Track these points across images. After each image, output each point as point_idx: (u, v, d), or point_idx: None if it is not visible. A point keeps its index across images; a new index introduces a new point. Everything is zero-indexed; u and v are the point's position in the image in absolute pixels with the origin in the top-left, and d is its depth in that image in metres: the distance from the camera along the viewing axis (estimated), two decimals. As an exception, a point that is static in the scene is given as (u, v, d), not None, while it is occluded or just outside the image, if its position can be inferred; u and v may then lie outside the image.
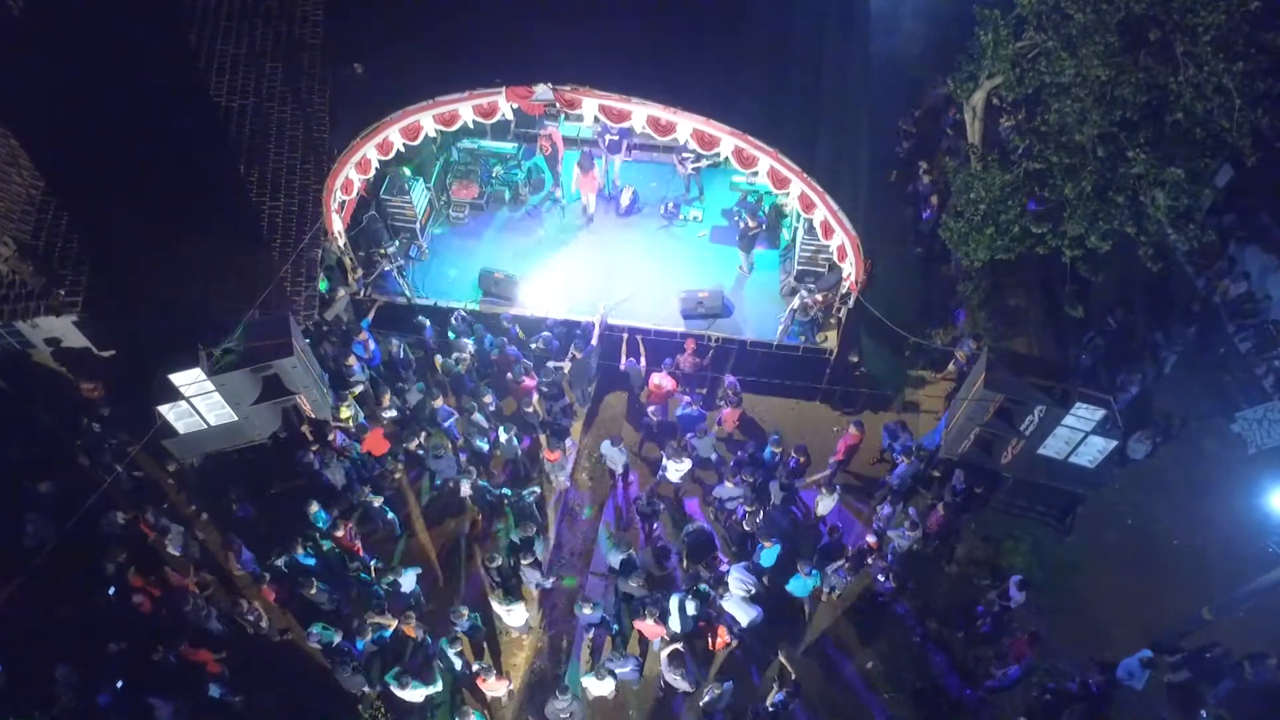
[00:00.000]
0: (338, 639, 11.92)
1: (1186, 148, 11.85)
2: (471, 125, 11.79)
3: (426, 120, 11.72)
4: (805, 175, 11.27)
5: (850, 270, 12.49)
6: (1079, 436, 12.15)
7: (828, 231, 12.01)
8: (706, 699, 11.35)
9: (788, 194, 11.80)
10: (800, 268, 14.37)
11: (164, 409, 12.19)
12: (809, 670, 13.00)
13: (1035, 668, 12.73)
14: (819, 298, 14.01)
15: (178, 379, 11.75)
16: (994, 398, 12.18)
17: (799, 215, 14.28)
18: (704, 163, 15.36)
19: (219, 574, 13.02)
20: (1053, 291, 15.28)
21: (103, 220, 13.51)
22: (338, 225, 13.45)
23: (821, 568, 12.34)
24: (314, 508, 12.61)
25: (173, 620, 12.26)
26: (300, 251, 13.36)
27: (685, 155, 15.18)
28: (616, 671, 11.83)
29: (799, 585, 12.34)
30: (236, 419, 12.82)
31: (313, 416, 13.31)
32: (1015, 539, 14.14)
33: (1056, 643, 13.07)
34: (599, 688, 12.01)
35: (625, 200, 15.72)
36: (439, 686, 11.76)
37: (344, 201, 13.17)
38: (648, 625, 12.11)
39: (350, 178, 12.59)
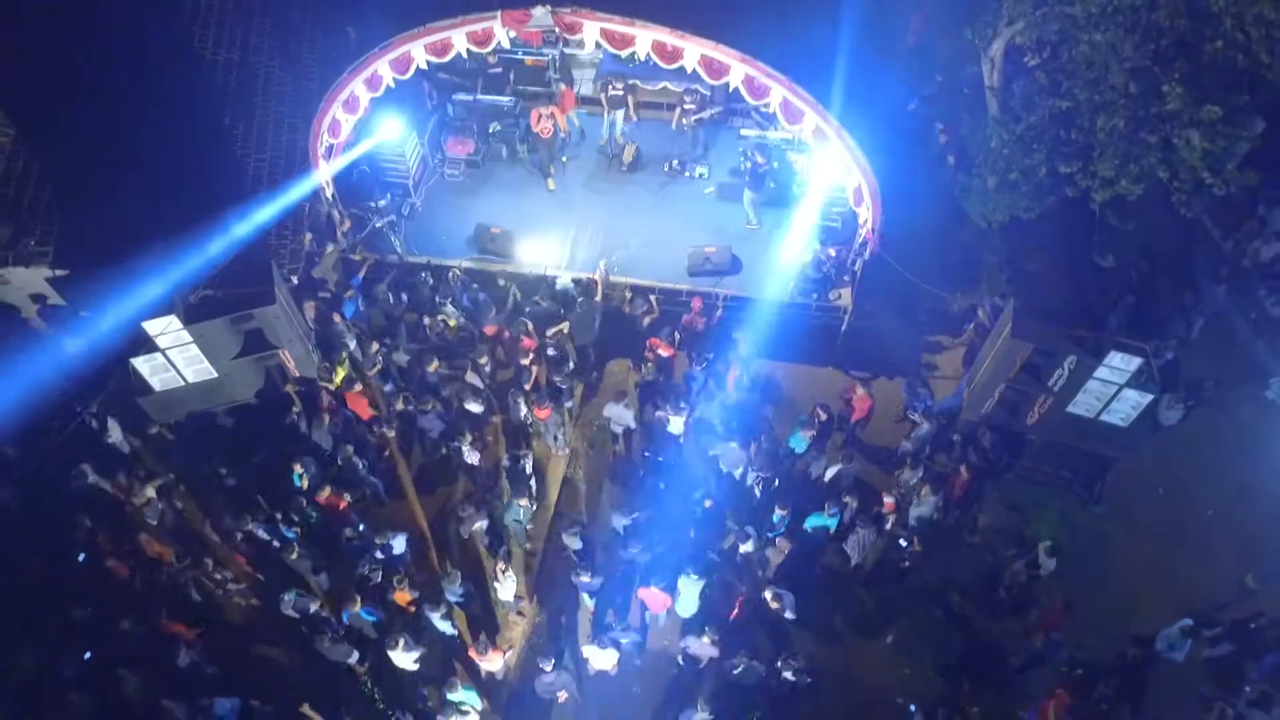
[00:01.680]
0: (314, 607, 11.17)
1: (1224, 84, 11.17)
2: (466, 55, 11.11)
3: (418, 51, 11.05)
4: (820, 108, 10.59)
5: (867, 216, 11.78)
6: (1112, 391, 11.41)
7: (844, 170, 11.30)
8: (734, 673, 10.60)
9: (799, 137, 11.14)
10: (812, 221, 13.64)
11: (138, 361, 11.48)
12: (825, 644, 12.25)
13: (1064, 643, 11.96)
14: (831, 252, 13.30)
15: (151, 326, 11.05)
16: (1021, 348, 11.47)
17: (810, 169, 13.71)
18: (706, 113, 14.69)
19: (194, 542, 12.21)
20: (1076, 253, 14.54)
21: (76, 173, 12.83)
22: (325, 172, 12.73)
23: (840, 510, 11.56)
24: (298, 469, 11.85)
25: (148, 590, 11.50)
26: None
27: (687, 106, 14.52)
28: (621, 641, 11.06)
29: (818, 521, 11.57)
30: (216, 376, 12.12)
31: (297, 375, 12.58)
32: (1041, 508, 13.37)
33: (1086, 616, 12.25)
34: (600, 659, 11.24)
35: (628, 157, 15.03)
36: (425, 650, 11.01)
37: (332, 146, 12.46)
38: (652, 594, 11.36)
39: (338, 118, 11.89)
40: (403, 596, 11.26)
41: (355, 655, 11.17)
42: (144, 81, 13.46)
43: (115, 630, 10.96)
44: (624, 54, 11.18)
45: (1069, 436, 12.31)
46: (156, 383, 11.85)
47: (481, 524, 11.97)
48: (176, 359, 11.59)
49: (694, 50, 10.49)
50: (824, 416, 12.31)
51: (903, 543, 11.94)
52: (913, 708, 10.94)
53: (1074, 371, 11.40)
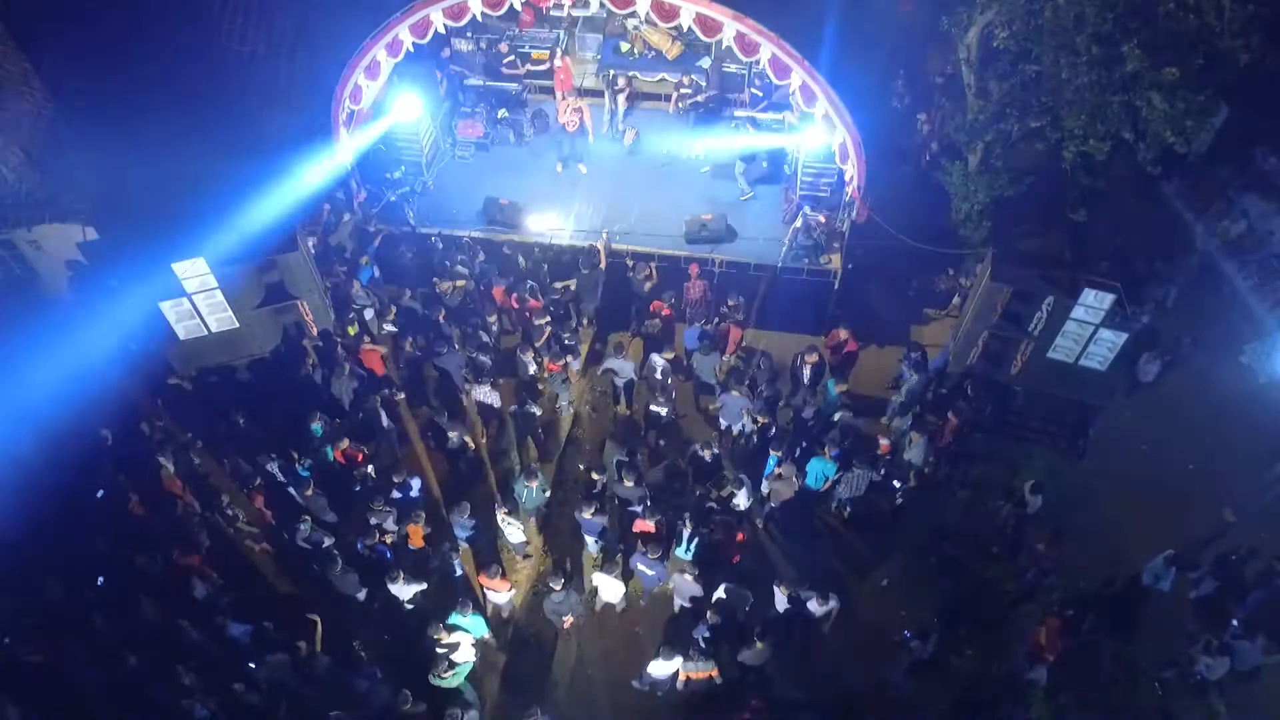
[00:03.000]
0: (328, 541, 11.56)
1: (1178, 47, 12.07)
2: (480, 18, 11.99)
3: (436, 15, 11.98)
4: (806, 64, 11.46)
5: (853, 174, 12.56)
6: (1089, 331, 12.06)
7: (829, 129, 12.12)
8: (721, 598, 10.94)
9: (788, 118, 11.81)
10: (802, 193, 14.44)
11: (165, 306, 12.09)
12: (819, 587, 12.60)
13: (1054, 571, 12.32)
14: (821, 218, 14.06)
15: (180, 269, 11.69)
16: (1000, 291, 12.13)
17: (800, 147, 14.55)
18: (701, 96, 15.60)
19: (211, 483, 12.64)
20: (1052, 217, 15.31)
21: (110, 140, 13.60)
22: (345, 142, 13.55)
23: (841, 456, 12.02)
24: (316, 420, 12.34)
25: (165, 525, 11.89)
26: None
27: (684, 91, 15.46)
28: (647, 572, 11.36)
29: (819, 467, 11.99)
30: (238, 326, 12.71)
31: (315, 331, 13.18)
32: (1028, 463, 13.84)
33: (1073, 559, 12.65)
34: (610, 590, 11.57)
35: (628, 141, 15.92)
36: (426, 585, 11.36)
37: (353, 113, 13.30)
38: (645, 526, 11.69)
39: (360, 84, 12.75)
40: (416, 530, 11.65)
41: (364, 591, 11.52)
42: (176, 55, 14.36)
43: (134, 562, 11.33)
44: (623, 13, 12.01)
45: (1051, 384, 12.90)
46: (181, 330, 12.44)
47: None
48: (202, 306, 12.20)
49: (689, 9, 11.42)
50: (814, 358, 12.85)
51: (896, 483, 12.40)
52: (907, 633, 11.25)
53: (1051, 314, 12.05)
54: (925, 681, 11.18)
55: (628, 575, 11.68)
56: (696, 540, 11.62)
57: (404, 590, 11.18)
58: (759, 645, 10.60)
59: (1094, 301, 11.64)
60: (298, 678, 10.56)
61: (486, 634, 11.31)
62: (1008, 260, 12.12)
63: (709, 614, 10.73)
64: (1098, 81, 12.09)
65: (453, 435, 12.43)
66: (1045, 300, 11.99)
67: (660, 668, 10.69)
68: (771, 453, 12.25)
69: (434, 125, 15.47)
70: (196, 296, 12.08)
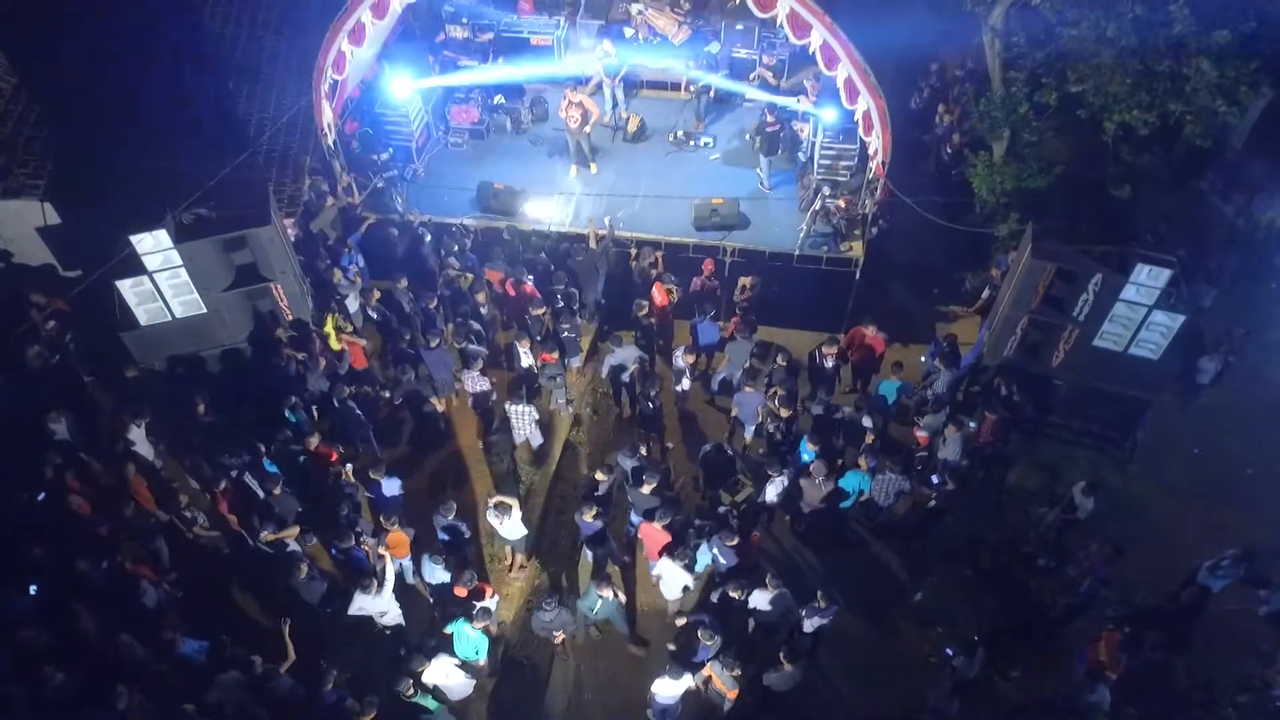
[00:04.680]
0: (293, 544, 10.32)
1: (1229, 10, 11.18)
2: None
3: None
4: (829, 21, 10.52)
5: (878, 146, 11.57)
6: (1140, 314, 10.92)
7: (851, 94, 11.17)
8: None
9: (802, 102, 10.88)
10: (820, 176, 13.45)
11: (124, 285, 10.97)
12: (849, 603, 11.31)
13: (1111, 581, 11.06)
14: (841, 203, 13.04)
15: (140, 241, 10.58)
16: (1043, 270, 11.01)
17: (818, 129, 13.61)
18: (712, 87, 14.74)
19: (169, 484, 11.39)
20: (1090, 197, 14.29)
21: (74, 120, 12.70)
22: (328, 115, 12.57)
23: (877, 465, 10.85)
24: (292, 409, 11.15)
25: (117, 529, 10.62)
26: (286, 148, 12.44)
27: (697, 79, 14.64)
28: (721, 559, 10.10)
29: (855, 482, 10.82)
30: (205, 311, 11.59)
31: (290, 317, 12.05)
32: (1071, 467, 12.61)
33: (1126, 573, 11.35)
34: (672, 582, 10.27)
35: (632, 128, 14.97)
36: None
37: (336, 83, 12.33)
38: (653, 532, 10.42)
39: (343, 50, 11.79)
40: (400, 539, 10.38)
41: (330, 603, 10.25)
42: (153, 42, 13.51)
43: (76, 568, 10.04)
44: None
45: (1097, 376, 11.73)
46: (142, 314, 11.28)
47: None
48: (164, 286, 11.07)
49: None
50: (834, 349, 11.75)
51: (934, 478, 11.18)
52: (950, 650, 9.95)
53: (1099, 294, 10.94)
54: (972, 704, 9.82)
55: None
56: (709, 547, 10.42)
57: (377, 604, 9.89)
58: (787, 667, 9.33)
59: (1148, 279, 10.52)
60: (255, 698, 9.21)
61: (483, 658, 10.01)
62: (1049, 235, 11.01)
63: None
64: (1142, 45, 11.15)
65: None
66: (1092, 280, 10.88)
67: (667, 687, 9.36)
68: (807, 445, 11.07)
69: (425, 110, 14.51)
70: (159, 275, 10.95)
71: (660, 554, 10.12)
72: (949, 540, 11.90)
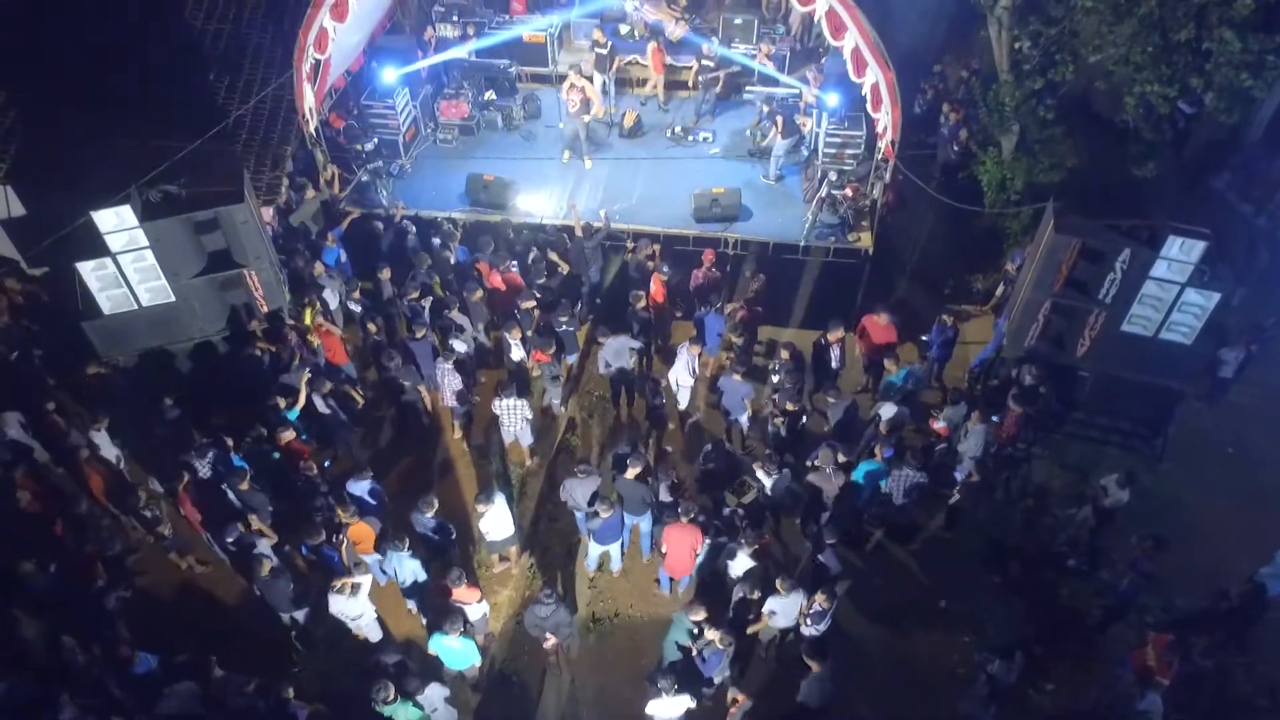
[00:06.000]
0: (262, 544, 9.43)
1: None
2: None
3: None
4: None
5: (887, 123, 10.99)
6: (1173, 293, 10.21)
7: (859, 66, 10.62)
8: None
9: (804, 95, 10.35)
10: (825, 163, 12.87)
11: (85, 268, 10.23)
12: (869, 614, 10.43)
13: (1148, 607, 10.21)
14: (848, 191, 12.43)
15: (102, 219, 9.88)
16: (1066, 246, 10.33)
17: (821, 120, 13.10)
18: (721, 72, 14.24)
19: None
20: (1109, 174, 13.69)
21: (45, 108, 12.13)
22: (309, 99, 11.99)
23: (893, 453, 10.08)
24: (280, 403, 10.36)
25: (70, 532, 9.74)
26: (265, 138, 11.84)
27: (705, 63, 14.11)
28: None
29: (871, 467, 10.07)
30: (174, 300, 10.84)
31: (265, 308, 11.30)
32: (1100, 466, 11.77)
33: (1168, 579, 10.48)
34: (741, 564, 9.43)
35: (628, 123, 14.44)
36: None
37: (318, 63, 11.76)
38: (682, 533, 9.56)
39: (325, 27, 11.25)
40: (363, 531, 9.47)
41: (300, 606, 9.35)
42: (133, 38, 13.04)
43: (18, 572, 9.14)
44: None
45: (1126, 365, 10.98)
46: (105, 301, 10.53)
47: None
48: (129, 270, 10.33)
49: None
50: (839, 335, 11.05)
51: (956, 474, 10.37)
52: (984, 655, 9.03)
53: (1127, 273, 10.24)
54: (1010, 714, 8.86)
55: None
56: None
57: (350, 606, 8.97)
58: (815, 668, 8.46)
59: (1180, 253, 9.84)
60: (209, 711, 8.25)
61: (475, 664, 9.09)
62: (1074, 212, 10.35)
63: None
64: (1162, 11, 10.65)
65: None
66: (1120, 257, 10.20)
67: (663, 708, 8.38)
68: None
69: (414, 105, 13.97)
70: (123, 258, 10.22)
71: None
72: (973, 543, 11.06)
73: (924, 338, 11.83)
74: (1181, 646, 9.04)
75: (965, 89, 15.92)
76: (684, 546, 9.59)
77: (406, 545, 9.18)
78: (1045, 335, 11.28)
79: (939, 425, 10.54)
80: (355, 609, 8.98)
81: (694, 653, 8.75)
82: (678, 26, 14.70)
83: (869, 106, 11.15)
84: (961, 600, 10.66)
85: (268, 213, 11.98)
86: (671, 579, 10.32)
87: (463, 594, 9.09)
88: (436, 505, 9.59)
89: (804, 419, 11.03)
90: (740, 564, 9.22)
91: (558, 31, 15.08)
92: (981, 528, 11.16)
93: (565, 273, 12.26)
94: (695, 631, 8.79)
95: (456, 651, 8.89)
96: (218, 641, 9.25)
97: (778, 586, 8.94)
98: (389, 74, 13.13)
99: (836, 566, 9.34)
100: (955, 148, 15.24)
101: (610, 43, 14.01)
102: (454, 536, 9.99)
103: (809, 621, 8.94)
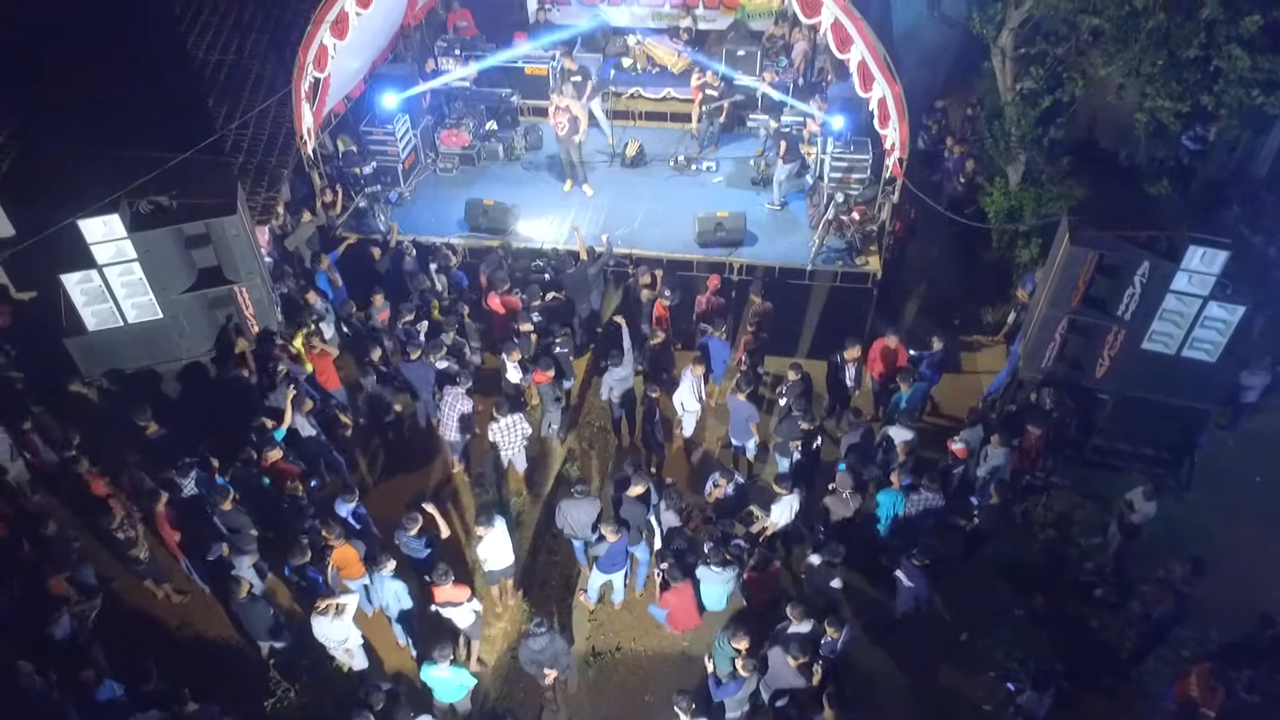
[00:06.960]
0: (242, 564, 8.89)
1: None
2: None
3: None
4: (842, -1, 9.93)
5: (894, 140, 10.81)
6: (1195, 307, 9.86)
7: (866, 80, 10.47)
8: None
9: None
10: (831, 187, 12.67)
11: (70, 280, 9.90)
12: (886, 645, 9.81)
13: (1185, 639, 9.64)
14: (855, 215, 12.20)
15: (89, 228, 9.58)
16: (1083, 259, 10.02)
17: (826, 145, 12.97)
18: (725, 101, 14.21)
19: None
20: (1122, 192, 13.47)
21: (41, 127, 12.00)
22: (308, 120, 11.83)
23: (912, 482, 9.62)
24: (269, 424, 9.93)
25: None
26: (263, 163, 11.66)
27: (710, 92, 14.05)
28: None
29: (888, 500, 9.60)
30: (161, 316, 10.47)
31: (255, 328, 10.94)
32: (1123, 492, 11.27)
33: (1200, 611, 9.89)
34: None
35: (630, 153, 14.30)
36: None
37: (317, 81, 11.63)
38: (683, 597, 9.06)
39: (325, 44, 11.13)
40: (347, 554, 8.92)
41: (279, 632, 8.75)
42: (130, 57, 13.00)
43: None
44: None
45: (1148, 387, 10.57)
46: (90, 317, 10.16)
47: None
48: (116, 284, 9.99)
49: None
50: (855, 353, 10.66)
51: (973, 498, 9.86)
52: (1012, 686, 8.42)
53: (1147, 286, 9.92)
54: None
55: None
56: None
57: (334, 629, 8.39)
58: (827, 713, 7.85)
59: (1201, 264, 9.52)
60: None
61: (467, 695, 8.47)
62: (1089, 225, 10.07)
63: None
64: (1169, 30, 10.56)
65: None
66: (1139, 270, 9.88)
67: None
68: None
69: (414, 134, 13.86)
70: (109, 270, 9.90)
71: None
72: (993, 574, 10.49)
73: (912, 352, 11.41)
74: (1225, 677, 8.46)
75: (969, 124, 15.88)
76: (685, 604, 9.15)
77: (390, 567, 8.64)
78: (1062, 356, 10.91)
79: (957, 446, 10.07)
80: (340, 632, 8.39)
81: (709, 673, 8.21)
82: (680, 61, 14.72)
83: (876, 122, 10.98)
84: (984, 634, 10.05)
85: (263, 236, 11.70)
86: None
87: (451, 593, 8.56)
88: (421, 523, 9.06)
89: (818, 441, 10.56)
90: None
91: (559, 64, 15.06)
92: (1002, 558, 10.63)
93: (560, 303, 11.92)
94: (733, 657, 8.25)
95: (447, 682, 8.31)
96: (192, 672, 8.66)
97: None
98: (389, 99, 13.06)
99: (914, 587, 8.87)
100: (961, 179, 15.08)
101: (582, 67, 13.89)
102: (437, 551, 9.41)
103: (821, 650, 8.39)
